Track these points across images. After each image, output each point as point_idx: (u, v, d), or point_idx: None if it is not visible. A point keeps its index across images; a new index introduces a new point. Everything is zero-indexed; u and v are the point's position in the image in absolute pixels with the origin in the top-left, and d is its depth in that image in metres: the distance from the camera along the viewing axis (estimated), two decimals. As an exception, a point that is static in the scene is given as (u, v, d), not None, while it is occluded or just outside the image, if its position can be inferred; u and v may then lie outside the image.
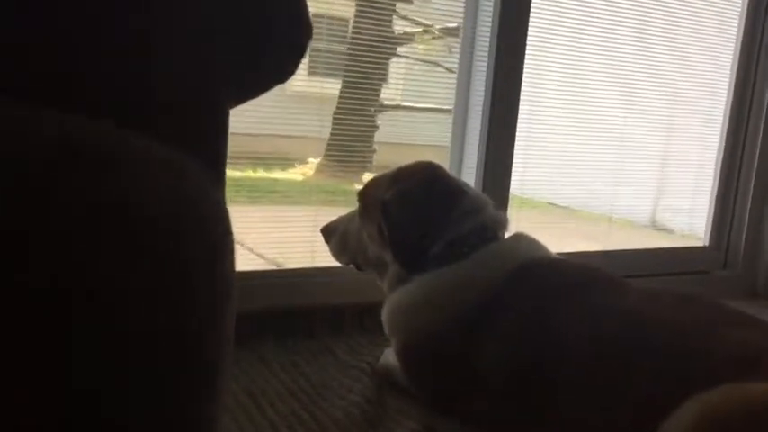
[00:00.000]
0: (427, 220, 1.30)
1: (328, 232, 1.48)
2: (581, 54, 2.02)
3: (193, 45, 0.75)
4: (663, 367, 1.03)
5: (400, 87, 1.97)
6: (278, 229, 1.72)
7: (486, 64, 1.85)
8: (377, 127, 1.89)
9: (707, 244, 2.31)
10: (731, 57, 2.24)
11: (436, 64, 1.99)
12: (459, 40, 1.90)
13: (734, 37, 2.23)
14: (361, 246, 1.41)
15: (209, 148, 0.75)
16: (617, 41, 2.07)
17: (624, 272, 1.34)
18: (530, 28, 1.86)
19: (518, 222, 1.40)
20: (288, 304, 1.64)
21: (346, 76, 1.82)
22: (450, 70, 1.93)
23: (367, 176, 1.72)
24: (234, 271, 0.67)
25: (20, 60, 0.65)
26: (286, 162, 1.86)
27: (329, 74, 1.79)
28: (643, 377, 1.03)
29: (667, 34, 2.14)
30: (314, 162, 1.88)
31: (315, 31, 0.93)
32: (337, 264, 1.51)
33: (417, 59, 1.98)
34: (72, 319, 0.52)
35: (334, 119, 1.81)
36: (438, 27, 1.95)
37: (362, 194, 1.43)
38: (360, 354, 1.55)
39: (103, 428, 0.55)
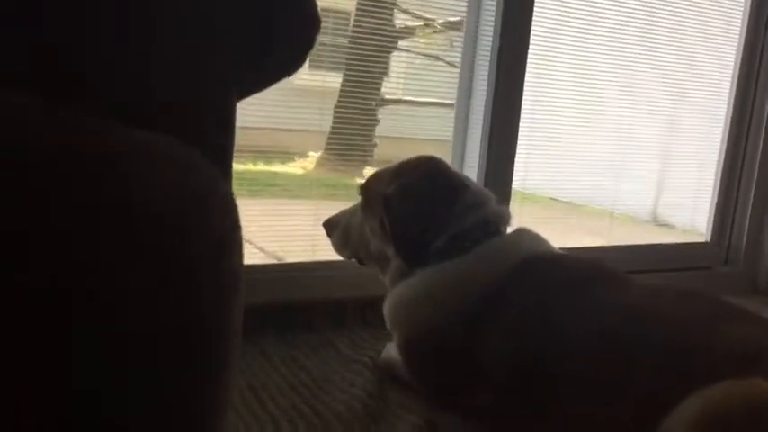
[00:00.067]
0: (429, 214, 1.30)
1: (330, 226, 1.48)
2: (584, 49, 2.02)
3: (200, 40, 0.75)
4: (664, 363, 1.03)
5: (401, 81, 1.96)
6: (279, 222, 1.72)
7: (488, 58, 1.84)
8: (378, 121, 1.89)
9: (708, 240, 2.30)
10: (734, 52, 2.23)
11: (438, 58, 1.99)
12: (460, 33, 1.89)
13: (737, 33, 2.22)
14: (364, 240, 1.41)
15: (216, 142, 0.75)
16: (620, 37, 2.06)
17: (626, 267, 1.34)
18: (533, 22, 1.85)
19: (520, 217, 1.40)
20: (289, 298, 1.64)
21: (347, 70, 1.81)
22: (451, 64, 1.93)
23: (368, 171, 1.71)
24: (242, 264, 0.67)
25: (20, 60, 0.65)
26: (287, 156, 1.85)
27: (330, 67, 1.79)
28: (644, 372, 1.03)
29: (671, 30, 2.13)
30: (315, 156, 1.88)
31: (317, 24, 0.92)
32: (339, 258, 1.51)
33: (419, 53, 1.97)
34: (72, 318, 0.52)
35: (335, 112, 1.81)
36: (440, 21, 1.94)
37: (364, 188, 1.42)
38: (362, 348, 1.55)
39: (104, 427, 0.54)
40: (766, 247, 2.27)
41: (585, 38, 2.01)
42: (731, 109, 2.24)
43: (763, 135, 2.23)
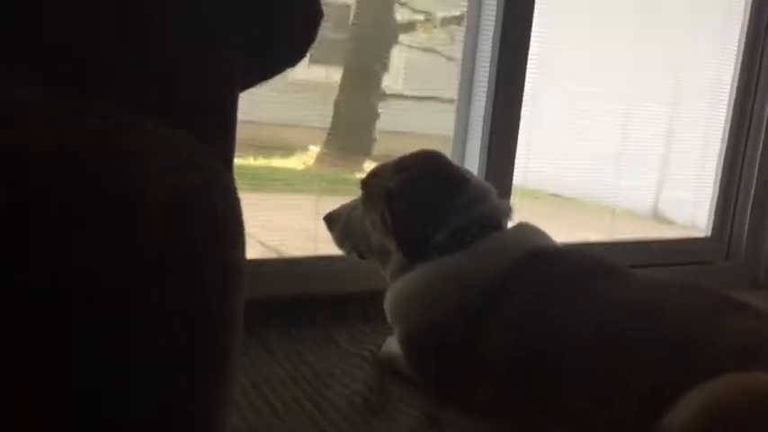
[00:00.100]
0: (430, 208, 1.30)
1: (331, 220, 1.48)
2: (586, 45, 2.01)
3: (201, 40, 0.74)
4: (666, 357, 1.03)
5: (402, 76, 1.96)
6: (279, 216, 1.72)
7: (489, 53, 1.83)
8: (378, 116, 1.88)
9: (709, 234, 2.30)
10: (735, 48, 2.22)
11: (438, 53, 1.98)
12: (461, 28, 1.88)
13: (738, 27, 2.21)
14: (364, 234, 1.41)
15: (218, 138, 0.75)
16: (622, 32, 2.06)
17: (627, 262, 1.34)
18: (535, 17, 1.84)
19: (520, 213, 1.40)
20: (290, 293, 1.64)
21: (348, 65, 1.80)
22: (452, 59, 1.92)
23: (368, 165, 1.71)
24: (245, 258, 0.67)
25: (20, 59, 0.65)
26: (287, 150, 1.85)
27: (331, 62, 1.78)
28: (646, 366, 1.03)
29: (672, 24, 2.13)
30: (315, 150, 1.87)
31: (316, 18, 0.92)
32: (339, 252, 1.51)
33: (419, 48, 1.97)
34: (72, 318, 0.52)
35: (336, 107, 1.81)
36: (441, 15, 1.94)
37: (366, 182, 1.42)
38: (362, 342, 1.54)
39: (104, 426, 0.54)
40: (767, 242, 2.27)
41: (587, 35, 2.00)
42: (732, 104, 2.24)
43: (764, 129, 2.22)
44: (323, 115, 1.78)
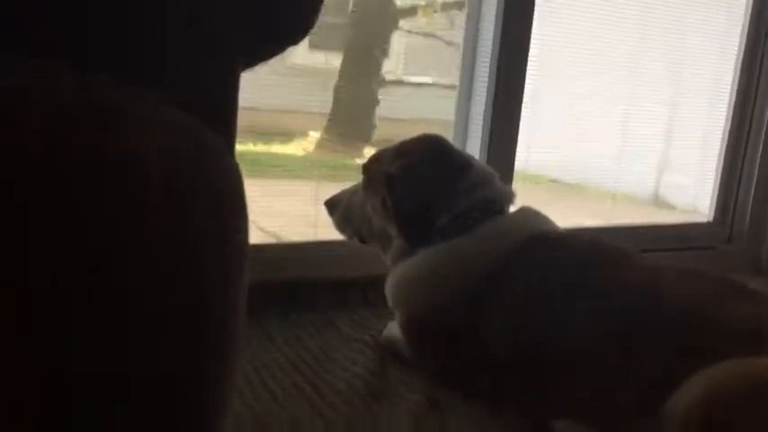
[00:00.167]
0: (432, 193, 1.29)
1: (332, 205, 1.47)
2: (587, 29, 1.99)
3: (201, 19, 0.74)
4: (668, 342, 1.03)
5: (402, 61, 1.95)
6: (278, 202, 1.71)
7: (491, 38, 1.82)
8: (378, 101, 1.87)
9: (711, 219, 2.30)
10: (738, 31, 2.20)
11: (439, 38, 1.97)
12: (461, 13, 1.87)
13: (742, 12, 2.19)
14: (365, 218, 1.40)
15: (221, 118, 0.74)
16: (624, 16, 2.04)
17: (628, 247, 1.34)
18: (536, 3, 1.83)
19: (521, 198, 1.39)
20: (291, 278, 1.64)
21: (347, 50, 1.79)
22: (452, 44, 1.91)
23: (368, 151, 1.70)
24: (248, 242, 0.66)
25: (20, 35, 0.64)
26: (287, 136, 1.84)
27: (330, 48, 1.77)
28: (648, 351, 1.03)
29: (674, 8, 2.11)
30: (315, 136, 1.87)
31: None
32: (340, 237, 1.51)
33: (420, 33, 1.95)
34: (72, 313, 0.51)
35: (336, 93, 1.80)
36: (441, 0, 1.92)
37: (367, 167, 1.41)
38: (363, 327, 1.54)
39: (104, 425, 0.54)
40: (770, 226, 2.27)
41: (589, 19, 1.98)
42: (735, 88, 2.22)
43: (767, 113, 2.21)
44: (323, 101, 1.77)
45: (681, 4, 2.12)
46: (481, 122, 1.86)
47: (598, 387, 1.06)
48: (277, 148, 1.84)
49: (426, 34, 1.96)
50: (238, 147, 0.80)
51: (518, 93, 1.87)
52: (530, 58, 1.86)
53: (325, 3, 0.88)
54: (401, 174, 1.30)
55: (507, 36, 1.80)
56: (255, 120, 1.69)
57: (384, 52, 1.86)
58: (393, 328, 1.40)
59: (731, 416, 0.91)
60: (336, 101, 1.80)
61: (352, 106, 1.82)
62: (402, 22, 1.89)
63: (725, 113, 2.25)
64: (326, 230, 1.55)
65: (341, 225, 1.47)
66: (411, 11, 1.91)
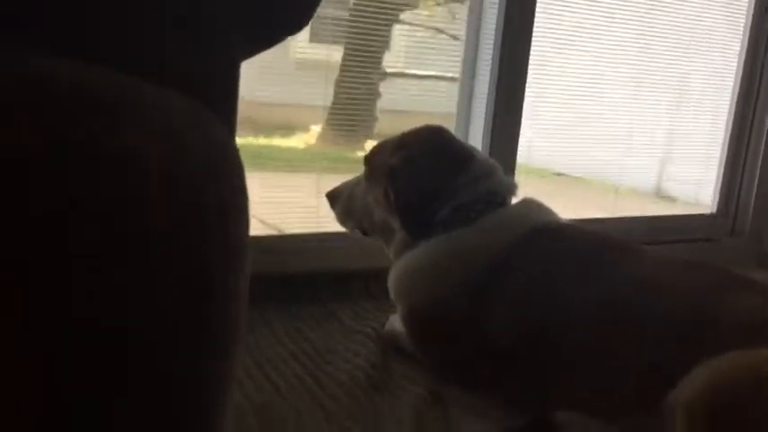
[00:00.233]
0: (434, 184, 1.29)
1: (334, 197, 1.47)
2: (591, 21, 1.98)
3: (201, 6, 0.73)
4: (671, 334, 1.02)
5: (403, 54, 1.94)
6: (280, 195, 1.71)
7: (493, 30, 1.81)
8: (379, 94, 1.87)
9: (714, 211, 2.29)
10: (741, 26, 2.20)
11: (440, 30, 1.96)
12: (463, 5, 1.86)
13: (745, 5, 2.18)
14: (367, 210, 1.40)
15: (221, 109, 0.74)
16: (628, 10, 2.03)
17: (631, 239, 1.33)
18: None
19: (524, 191, 1.39)
20: (293, 270, 1.64)
21: (348, 43, 1.79)
22: (454, 37, 1.90)
23: (369, 144, 1.70)
24: (248, 233, 0.66)
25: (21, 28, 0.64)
26: (288, 129, 1.84)
27: (331, 40, 1.76)
28: (651, 343, 1.03)
29: (679, 2, 2.10)
30: (316, 129, 1.86)
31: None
32: (343, 229, 1.50)
33: (421, 26, 1.95)
34: (72, 309, 0.51)
35: (337, 86, 1.79)
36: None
37: (369, 158, 1.41)
38: (365, 319, 1.54)
39: (104, 424, 0.53)
40: (773, 219, 2.26)
41: (592, 11, 1.98)
42: (739, 81, 2.22)
43: (771, 106, 2.21)
44: (324, 94, 1.77)
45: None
46: (483, 115, 1.85)
47: (600, 379, 1.06)
48: (278, 141, 1.83)
49: (428, 27, 1.95)
50: (239, 140, 0.79)
51: (520, 86, 1.86)
52: (532, 51, 1.85)
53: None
54: (403, 165, 1.29)
55: (510, 28, 1.80)
56: (257, 113, 1.69)
57: (385, 45, 1.86)
58: (395, 321, 1.40)
59: (735, 407, 0.90)
60: (337, 94, 1.80)
61: (354, 99, 1.81)
62: (404, 15, 1.89)
63: (728, 106, 2.24)
64: (328, 224, 1.55)
65: (342, 217, 1.46)
66: (413, 3, 1.90)
